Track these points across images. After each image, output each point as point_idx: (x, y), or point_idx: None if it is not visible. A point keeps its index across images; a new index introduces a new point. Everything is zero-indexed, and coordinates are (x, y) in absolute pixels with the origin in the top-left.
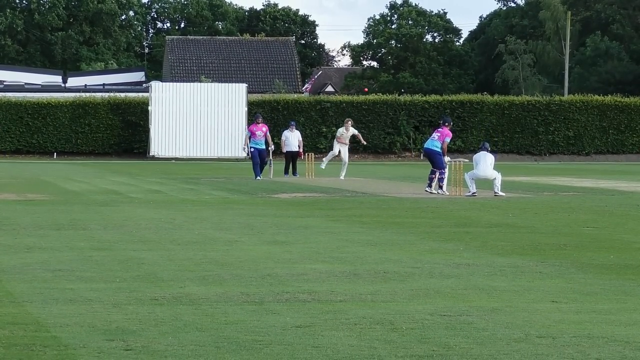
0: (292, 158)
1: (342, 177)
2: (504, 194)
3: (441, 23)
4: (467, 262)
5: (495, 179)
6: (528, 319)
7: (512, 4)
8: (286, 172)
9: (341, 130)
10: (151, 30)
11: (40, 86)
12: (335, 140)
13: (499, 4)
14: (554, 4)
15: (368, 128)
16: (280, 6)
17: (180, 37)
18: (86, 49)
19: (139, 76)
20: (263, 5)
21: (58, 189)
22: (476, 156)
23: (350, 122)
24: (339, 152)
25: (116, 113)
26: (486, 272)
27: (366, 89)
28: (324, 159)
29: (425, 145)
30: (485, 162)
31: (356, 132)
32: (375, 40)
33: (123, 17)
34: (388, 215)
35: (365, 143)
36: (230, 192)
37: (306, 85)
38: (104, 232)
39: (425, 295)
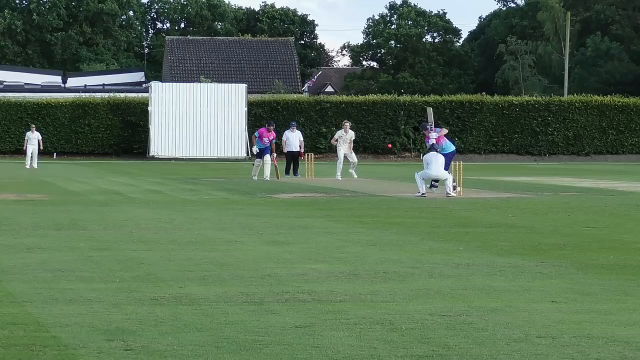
0: (292, 158)
1: (355, 176)
2: (455, 194)
3: (441, 23)
4: (467, 262)
5: (446, 179)
6: (528, 319)
7: (512, 5)
8: (287, 172)
9: (340, 132)
10: (151, 31)
11: (40, 86)
12: (337, 145)
13: (499, 5)
14: (552, 4)
15: (368, 128)
16: (277, 6)
17: (180, 37)
18: (86, 49)
19: (138, 76)
20: (260, 6)
21: (58, 189)
22: (427, 156)
23: (348, 124)
24: (344, 156)
25: (116, 113)
26: (486, 272)
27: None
28: (338, 172)
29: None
30: (437, 163)
31: (353, 137)
32: (374, 41)
33: (123, 17)
34: (388, 215)
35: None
36: (230, 193)
37: (307, 85)
38: (104, 232)
39: (425, 295)
